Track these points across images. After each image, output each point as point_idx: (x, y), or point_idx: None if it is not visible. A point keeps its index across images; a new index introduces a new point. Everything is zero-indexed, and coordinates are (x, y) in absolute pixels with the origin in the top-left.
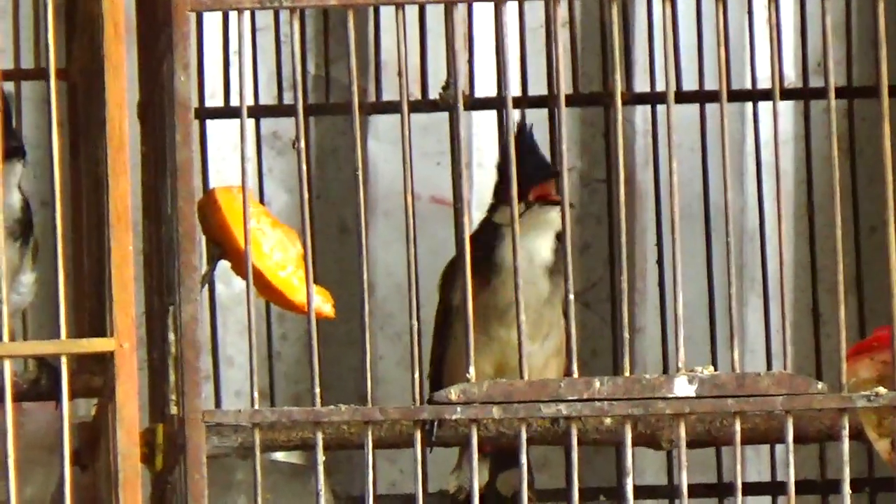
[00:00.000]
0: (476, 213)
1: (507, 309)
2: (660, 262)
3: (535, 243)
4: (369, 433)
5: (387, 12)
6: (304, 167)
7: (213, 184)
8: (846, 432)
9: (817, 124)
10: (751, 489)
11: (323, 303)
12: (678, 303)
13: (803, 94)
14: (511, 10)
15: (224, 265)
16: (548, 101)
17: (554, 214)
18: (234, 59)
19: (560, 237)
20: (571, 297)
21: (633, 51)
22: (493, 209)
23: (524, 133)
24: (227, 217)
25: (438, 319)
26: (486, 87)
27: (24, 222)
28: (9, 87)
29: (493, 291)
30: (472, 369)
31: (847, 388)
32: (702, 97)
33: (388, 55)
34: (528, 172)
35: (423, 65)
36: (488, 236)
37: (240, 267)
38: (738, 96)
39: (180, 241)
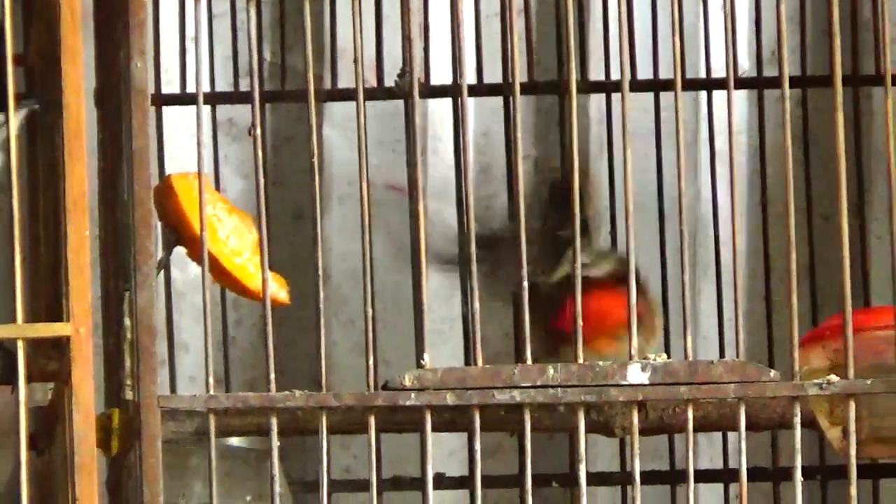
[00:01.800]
0: (430, 201)
1: None
2: (613, 246)
3: None
4: (324, 419)
5: (343, 0)
6: (260, 154)
7: (169, 170)
8: (798, 420)
9: (771, 113)
10: (703, 476)
11: (278, 289)
12: (631, 291)
13: (757, 84)
14: None
15: (180, 251)
16: (503, 90)
17: None
18: (190, 45)
19: None
20: (525, 283)
21: (589, 40)
22: None
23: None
24: (183, 203)
25: None
26: (441, 74)
27: None
28: None
29: None
30: (426, 356)
31: (799, 376)
32: (656, 86)
33: (343, 43)
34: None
35: (378, 52)
36: None
37: (195, 253)
38: (692, 85)
39: (136, 227)
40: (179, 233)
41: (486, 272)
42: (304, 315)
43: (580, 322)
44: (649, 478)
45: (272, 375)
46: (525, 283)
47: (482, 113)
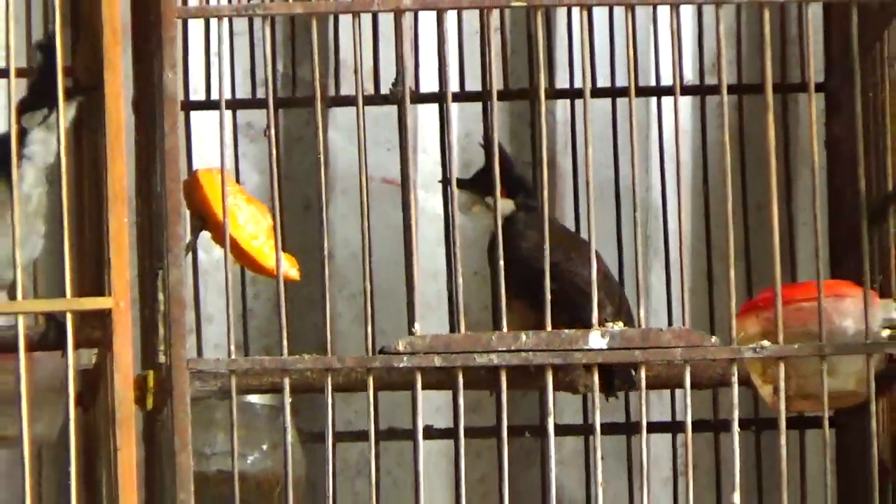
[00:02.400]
0: (420, 192)
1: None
2: (576, 231)
3: None
4: (329, 379)
5: (345, 19)
6: (274, 152)
7: (196, 166)
8: (735, 379)
9: (712, 116)
10: (654, 428)
11: (290, 268)
12: (592, 268)
13: (700, 91)
14: (451, 18)
15: (205, 235)
16: (482, 96)
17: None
18: (214, 59)
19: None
20: (501, 262)
21: (555, 53)
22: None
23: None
24: (208, 194)
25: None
26: (429, 83)
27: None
28: (23, 84)
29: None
30: (417, 325)
31: (736, 341)
32: (613, 93)
33: (345, 56)
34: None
35: (375, 64)
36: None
37: (219, 237)
38: (644, 92)
39: (168, 215)
40: (205, 220)
41: None
42: (312, 291)
43: (548, 295)
44: (608, 429)
45: (285, 342)
46: (501, 262)
47: (464, 116)
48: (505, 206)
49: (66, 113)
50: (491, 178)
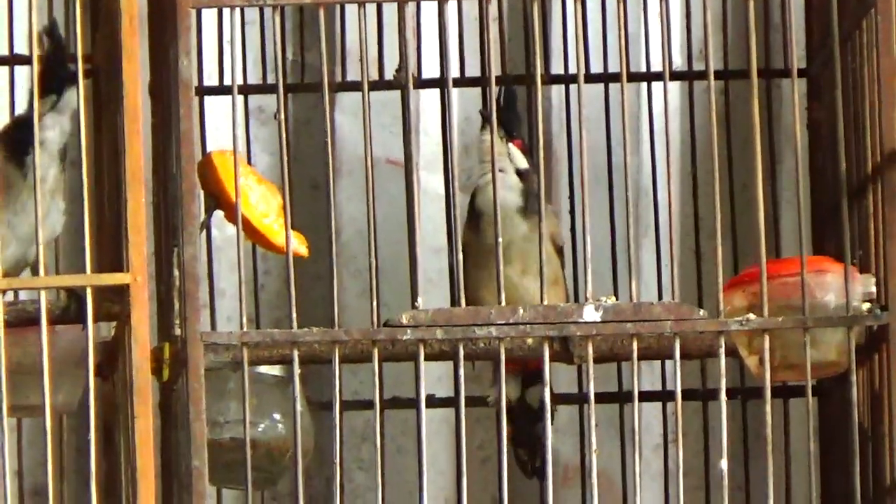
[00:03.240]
0: (422, 173)
1: (494, 247)
2: (571, 211)
3: (501, 191)
4: (336, 351)
5: (351, 9)
6: (284, 135)
7: (209, 148)
8: (723, 350)
9: (699, 100)
10: (645, 397)
11: (299, 245)
12: (587, 244)
13: (688, 77)
14: (451, 7)
15: (218, 214)
16: (481, 82)
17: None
18: (227, 46)
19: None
20: (500, 239)
21: (550, 40)
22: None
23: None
24: (221, 175)
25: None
26: (431, 69)
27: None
28: None
29: (482, 233)
30: (420, 299)
31: (723, 314)
32: (606, 78)
33: (351, 44)
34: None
35: (380, 52)
36: (475, 191)
37: (231, 215)
38: (634, 77)
39: (183, 195)
40: (218, 199)
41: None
42: (320, 266)
43: (544, 273)
44: (601, 398)
45: (294, 315)
46: (500, 239)
47: (464, 101)
48: (521, 158)
49: (73, 96)
50: (507, 120)
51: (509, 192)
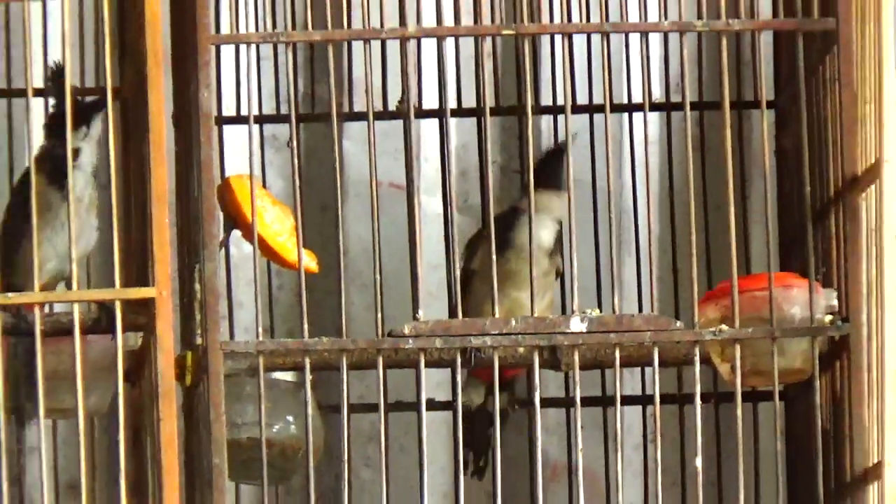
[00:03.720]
0: (423, 196)
1: (515, 275)
2: (559, 230)
3: (542, 231)
4: (344, 358)
5: (357, 45)
6: (296, 161)
7: (228, 173)
8: (697, 358)
9: (676, 130)
10: (627, 401)
11: (310, 261)
12: (573, 261)
13: (666, 108)
14: (449, 44)
15: (236, 233)
16: (477, 112)
17: (555, 203)
18: (243, 80)
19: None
20: (494, 257)
21: (540, 74)
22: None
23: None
24: (239, 198)
25: (462, 276)
26: (430, 100)
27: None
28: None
29: (506, 261)
30: (421, 311)
31: (698, 325)
32: (591, 108)
33: (358, 77)
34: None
35: (384, 84)
36: (508, 220)
37: (248, 235)
38: (617, 108)
39: (204, 216)
40: (236, 220)
41: None
42: (329, 281)
43: (534, 284)
44: (587, 402)
45: (305, 326)
46: (494, 257)
47: (461, 130)
48: (562, 210)
49: (98, 126)
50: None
51: (546, 233)
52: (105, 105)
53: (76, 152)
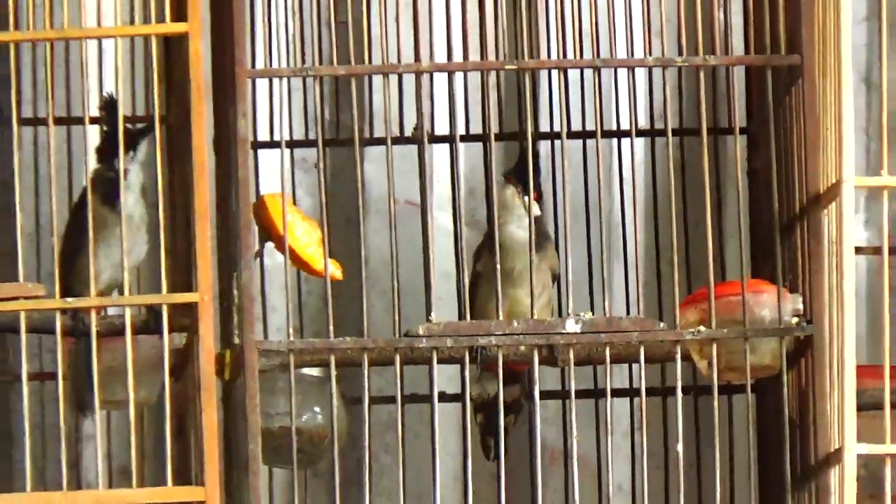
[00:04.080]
0: (435, 212)
1: (510, 273)
2: (556, 242)
3: (519, 231)
4: (365, 356)
5: (377, 78)
6: (322, 180)
7: (262, 192)
8: (679, 356)
9: (660, 153)
10: (616, 393)
11: (335, 270)
12: (568, 268)
13: (650, 133)
14: (458, 77)
15: (269, 245)
16: (483, 137)
17: (535, 208)
18: (276, 109)
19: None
20: (499, 266)
21: (539, 104)
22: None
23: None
24: (272, 213)
25: (471, 280)
26: (442, 127)
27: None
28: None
29: (502, 261)
30: (433, 314)
31: (679, 326)
32: (584, 135)
33: (377, 106)
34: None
35: (400, 113)
36: (500, 229)
37: (280, 246)
38: (607, 134)
39: (241, 230)
40: (269, 233)
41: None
42: (352, 287)
43: (534, 289)
44: (580, 394)
45: (331, 327)
46: (499, 266)
47: (469, 153)
48: (536, 208)
49: (143, 151)
50: (525, 181)
51: (525, 232)
52: (150, 131)
53: (125, 174)
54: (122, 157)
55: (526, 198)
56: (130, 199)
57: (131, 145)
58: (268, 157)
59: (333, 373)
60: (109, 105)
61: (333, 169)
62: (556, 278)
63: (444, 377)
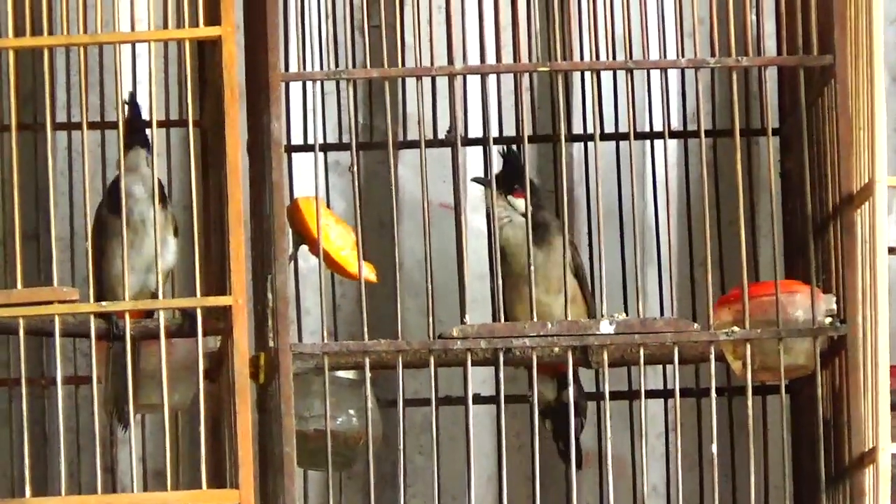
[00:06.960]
0: (469, 214)
1: (521, 274)
2: (590, 244)
3: (518, 232)
4: (399, 358)
5: (410, 81)
6: (356, 184)
7: (296, 195)
8: (713, 357)
9: (693, 154)
10: (650, 394)
11: (369, 273)
12: (602, 271)
13: (684, 135)
14: (492, 79)
15: (304, 248)
16: (516, 140)
17: (519, 203)
18: (310, 112)
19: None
20: (532, 266)
21: (572, 106)
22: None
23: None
24: (306, 217)
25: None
26: (475, 130)
27: (161, 192)
28: (162, 132)
29: (507, 264)
30: (467, 316)
31: (713, 327)
32: (617, 136)
33: (411, 109)
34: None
35: (434, 115)
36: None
37: (314, 249)
38: (640, 136)
39: (275, 233)
40: (303, 236)
41: None
42: (386, 290)
43: (568, 293)
44: (615, 396)
45: (365, 330)
46: (532, 266)
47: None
48: (521, 204)
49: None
50: (507, 179)
51: (519, 230)
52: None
53: (135, 178)
54: (122, 159)
55: (509, 196)
56: (141, 205)
57: (146, 146)
58: (302, 161)
59: (368, 375)
60: (132, 105)
61: (367, 172)
62: (577, 274)
63: (478, 379)
